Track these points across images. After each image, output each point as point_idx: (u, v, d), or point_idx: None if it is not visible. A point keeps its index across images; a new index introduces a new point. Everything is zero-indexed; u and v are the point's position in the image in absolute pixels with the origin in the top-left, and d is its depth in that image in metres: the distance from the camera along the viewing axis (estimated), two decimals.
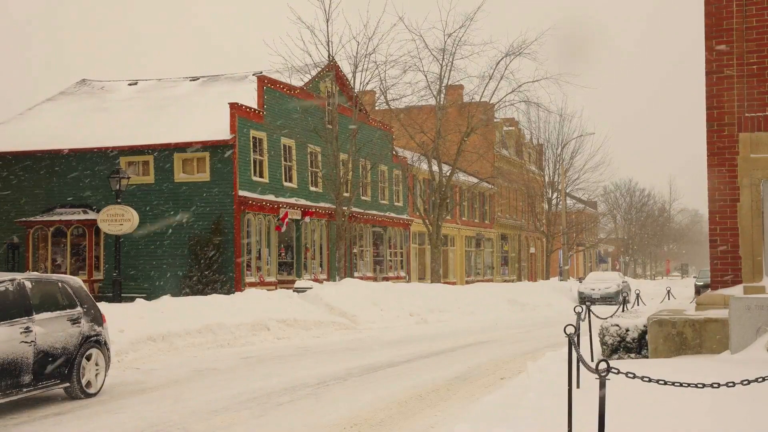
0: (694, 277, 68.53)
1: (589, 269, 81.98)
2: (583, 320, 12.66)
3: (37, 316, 11.35)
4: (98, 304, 13.81)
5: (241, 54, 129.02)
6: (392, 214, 44.47)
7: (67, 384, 11.88)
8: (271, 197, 33.05)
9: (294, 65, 34.51)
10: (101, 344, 12.66)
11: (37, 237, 33.07)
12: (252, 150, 32.31)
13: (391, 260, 44.63)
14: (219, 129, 31.54)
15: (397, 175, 45.59)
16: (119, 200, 25.30)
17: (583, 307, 13.40)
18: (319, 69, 35.80)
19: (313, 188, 36.66)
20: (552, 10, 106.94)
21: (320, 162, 36.61)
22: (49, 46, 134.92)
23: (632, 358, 12.47)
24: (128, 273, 30.97)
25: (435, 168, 42.28)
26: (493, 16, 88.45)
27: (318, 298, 26.58)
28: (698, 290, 36.21)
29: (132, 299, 23.31)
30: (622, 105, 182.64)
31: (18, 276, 11.63)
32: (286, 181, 34.71)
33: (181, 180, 31.88)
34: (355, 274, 38.53)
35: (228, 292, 28.47)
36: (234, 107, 31.36)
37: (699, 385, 6.44)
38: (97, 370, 12.46)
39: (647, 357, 12.29)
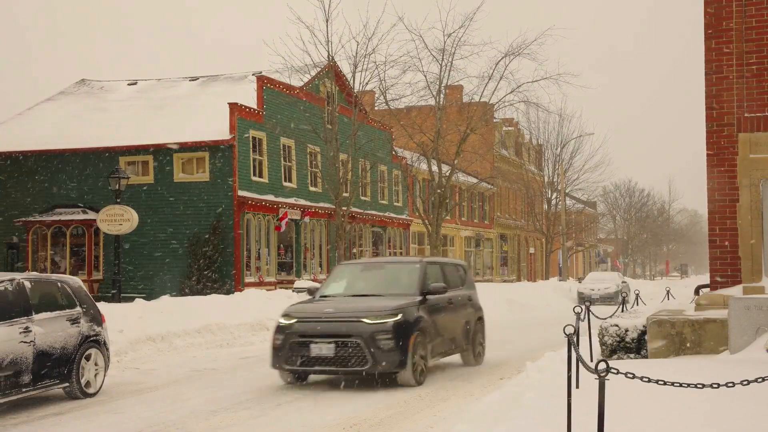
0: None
1: (588, 269, 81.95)
2: (582, 320, 12.66)
3: (36, 316, 11.35)
4: (97, 304, 13.79)
5: (241, 54, 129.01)
6: (392, 214, 44.46)
7: (67, 384, 11.87)
8: (270, 197, 33.05)
9: (293, 65, 34.44)
10: (100, 344, 12.66)
11: (36, 237, 33.06)
12: (251, 150, 32.30)
13: None
14: (218, 129, 31.53)
15: (396, 175, 45.58)
16: (119, 200, 25.28)
17: (583, 307, 13.38)
18: (319, 69, 35.75)
19: (312, 188, 36.66)
20: (551, 10, 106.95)
21: (320, 162, 36.59)
22: (49, 46, 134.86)
23: (631, 359, 12.46)
24: (128, 273, 30.97)
25: (434, 168, 42.26)
26: (493, 17, 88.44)
27: None
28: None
29: (131, 299, 23.29)
30: (622, 105, 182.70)
31: (17, 276, 11.63)
32: (285, 181, 34.71)
33: (181, 180, 31.88)
34: None
35: (227, 292, 28.46)
36: (233, 107, 31.35)
37: (698, 386, 6.44)
38: (96, 370, 12.46)
39: (646, 357, 12.28)
